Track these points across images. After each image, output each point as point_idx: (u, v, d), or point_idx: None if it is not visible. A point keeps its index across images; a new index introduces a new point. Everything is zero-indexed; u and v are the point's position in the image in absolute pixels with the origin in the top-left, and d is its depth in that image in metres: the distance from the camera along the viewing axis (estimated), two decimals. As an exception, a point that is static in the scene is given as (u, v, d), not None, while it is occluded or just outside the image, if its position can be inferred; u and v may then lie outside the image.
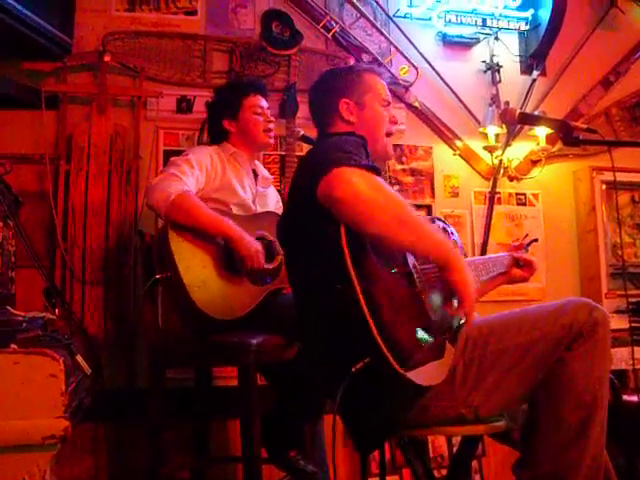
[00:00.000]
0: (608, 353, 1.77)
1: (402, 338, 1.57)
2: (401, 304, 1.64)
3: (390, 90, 3.57)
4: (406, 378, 1.55)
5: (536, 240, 2.52)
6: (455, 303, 1.64)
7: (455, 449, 3.17)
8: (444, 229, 2.08)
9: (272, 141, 2.96)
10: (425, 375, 1.62)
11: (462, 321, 1.76)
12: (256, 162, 2.99)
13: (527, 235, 2.62)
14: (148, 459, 2.68)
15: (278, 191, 3.20)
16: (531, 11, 3.90)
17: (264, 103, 2.90)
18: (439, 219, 2.35)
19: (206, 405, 2.91)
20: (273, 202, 3.00)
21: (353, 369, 1.58)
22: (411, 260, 1.75)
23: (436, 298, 1.74)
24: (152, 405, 2.55)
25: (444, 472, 3.36)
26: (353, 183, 1.56)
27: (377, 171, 1.67)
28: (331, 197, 1.56)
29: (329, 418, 2.97)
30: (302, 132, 3.00)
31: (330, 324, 1.70)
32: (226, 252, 2.56)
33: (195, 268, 2.48)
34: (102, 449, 3.06)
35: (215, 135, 2.93)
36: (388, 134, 2.06)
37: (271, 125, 2.89)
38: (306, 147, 3.48)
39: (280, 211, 3.01)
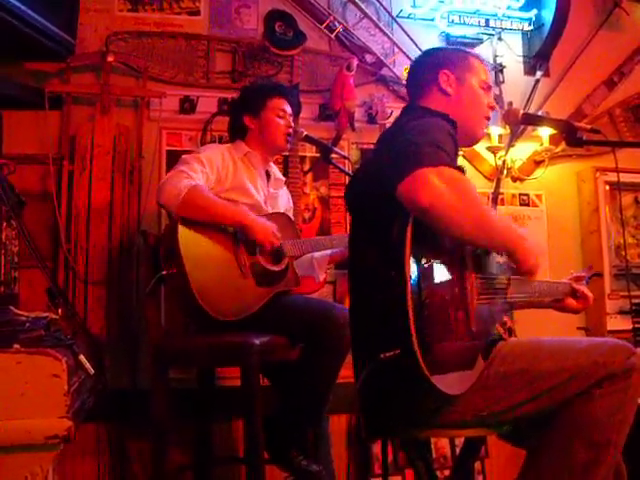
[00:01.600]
0: (636, 402, 1.72)
1: (437, 340, 1.59)
2: (446, 307, 1.65)
3: (393, 90, 3.60)
4: (429, 381, 1.55)
5: (600, 274, 2.48)
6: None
7: (458, 450, 3.17)
8: None
9: (288, 146, 2.96)
10: (449, 383, 1.60)
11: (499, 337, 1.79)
12: (270, 163, 2.99)
13: (591, 267, 2.59)
14: (151, 459, 2.68)
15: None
16: (534, 11, 3.90)
17: (288, 108, 2.89)
18: None
19: (209, 405, 2.90)
20: (284, 203, 3.00)
21: (382, 355, 1.60)
22: (469, 270, 1.76)
23: (484, 311, 1.77)
24: (155, 405, 2.55)
25: (447, 473, 3.36)
26: (436, 189, 1.54)
27: (461, 170, 1.68)
28: (414, 204, 1.55)
29: (334, 418, 2.99)
30: (305, 132, 2.99)
31: (375, 307, 1.71)
32: (237, 247, 2.57)
33: (201, 266, 2.48)
34: (105, 449, 3.06)
35: (233, 131, 2.93)
36: (487, 118, 2.05)
37: (290, 130, 2.88)
38: (309, 147, 3.48)
39: (291, 212, 3.02)
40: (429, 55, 2.13)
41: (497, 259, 1.90)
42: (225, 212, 2.55)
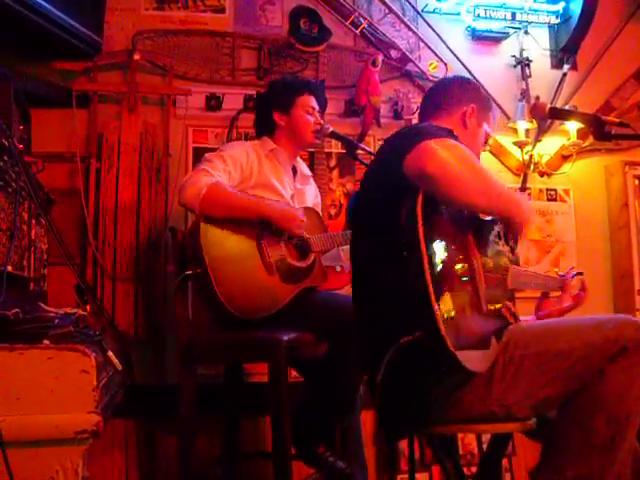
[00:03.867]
0: None
1: (455, 319, 1.61)
2: (458, 287, 1.69)
3: (418, 85, 3.59)
4: (455, 357, 1.55)
5: (581, 273, 2.51)
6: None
7: (485, 447, 3.15)
8: None
9: (318, 142, 2.96)
10: (471, 360, 1.62)
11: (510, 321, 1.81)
12: (298, 159, 2.99)
13: (572, 268, 2.60)
14: (178, 455, 2.69)
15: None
16: (562, 4, 3.85)
17: (316, 105, 2.90)
18: None
19: (236, 401, 2.92)
20: (311, 198, 3.00)
21: (402, 341, 1.61)
22: (475, 251, 1.79)
23: (493, 292, 1.80)
24: (183, 401, 2.57)
25: (474, 470, 3.34)
26: (441, 158, 1.63)
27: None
28: (422, 173, 1.62)
29: (365, 414, 2.98)
30: (331, 128, 2.99)
31: (388, 293, 1.73)
32: (261, 244, 2.58)
33: (225, 264, 2.49)
34: (132, 444, 3.09)
35: (262, 126, 2.93)
36: None
37: (319, 127, 2.88)
38: (335, 143, 3.48)
39: (319, 207, 3.02)
40: (465, 82, 2.21)
41: (495, 247, 1.92)
42: (246, 205, 2.56)
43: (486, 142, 2.19)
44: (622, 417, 1.67)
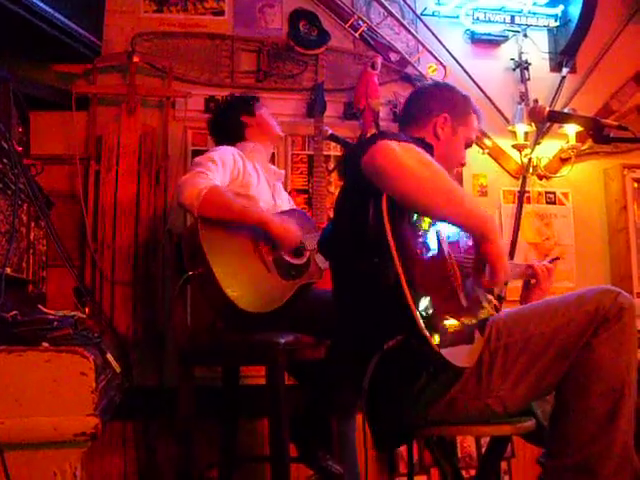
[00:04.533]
0: (635, 338, 1.74)
1: (434, 318, 1.61)
2: (435, 285, 1.69)
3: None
4: (440, 355, 1.56)
5: (557, 258, 2.51)
6: (487, 275, 1.68)
7: (484, 449, 3.15)
8: None
9: (282, 135, 3.09)
10: (457, 356, 1.62)
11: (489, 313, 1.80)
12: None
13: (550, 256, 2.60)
14: (176, 457, 2.69)
15: (306, 191, 3.23)
16: (561, 7, 3.85)
17: None
18: None
19: (234, 404, 2.92)
20: (285, 196, 3.04)
21: (385, 346, 1.60)
22: (446, 247, 1.79)
23: (469, 285, 1.79)
24: (181, 403, 2.57)
25: (472, 472, 3.34)
26: (395, 153, 1.61)
27: (424, 148, 1.72)
28: (373, 165, 1.61)
29: (360, 419, 2.98)
30: (330, 131, 3.00)
31: (365, 299, 1.73)
32: (258, 243, 2.59)
33: (226, 262, 2.49)
34: (131, 447, 3.09)
35: (233, 132, 2.97)
36: (453, 167, 2.13)
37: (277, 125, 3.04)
38: (334, 146, 3.49)
39: (292, 204, 3.06)
40: (437, 91, 2.18)
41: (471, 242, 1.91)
42: (245, 213, 2.57)
43: (468, 146, 2.15)
44: (617, 387, 1.68)
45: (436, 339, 1.55)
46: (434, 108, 2.09)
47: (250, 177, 2.77)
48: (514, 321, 1.79)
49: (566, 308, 1.76)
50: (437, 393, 1.72)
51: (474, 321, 1.78)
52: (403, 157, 1.61)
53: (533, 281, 2.36)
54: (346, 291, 1.87)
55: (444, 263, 1.76)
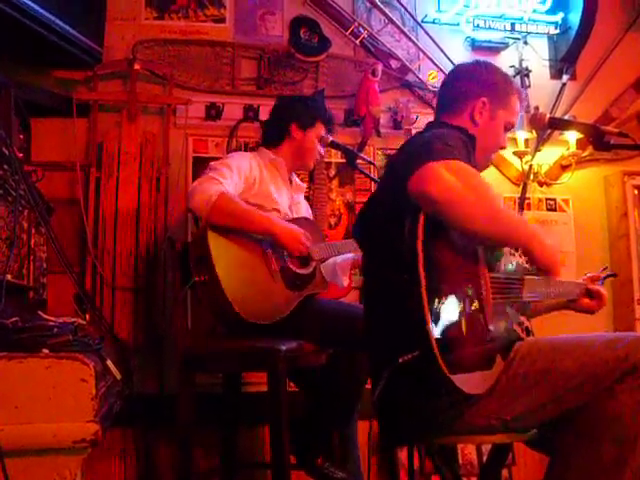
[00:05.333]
0: None
1: (455, 340, 1.59)
2: (463, 307, 1.65)
3: (418, 96, 3.60)
4: (450, 381, 1.54)
5: (615, 275, 2.47)
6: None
7: (484, 457, 3.14)
8: None
9: (312, 167, 3.05)
10: (469, 383, 1.60)
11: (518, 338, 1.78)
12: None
13: (606, 268, 2.56)
14: (177, 464, 2.69)
15: (307, 198, 3.23)
16: (561, 15, 3.86)
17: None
18: None
19: (235, 411, 2.91)
20: (304, 209, 3.01)
21: (400, 360, 1.60)
22: (482, 269, 1.75)
23: (499, 311, 1.76)
24: (181, 410, 2.56)
25: (473, 480, 3.33)
26: (443, 180, 1.57)
27: (467, 141, 1.72)
28: (421, 192, 1.59)
29: (362, 424, 2.98)
30: (331, 138, 3.00)
31: (390, 311, 1.73)
32: (266, 252, 2.59)
33: (233, 270, 2.49)
34: (131, 453, 3.08)
35: (273, 132, 2.93)
36: (492, 153, 2.08)
37: (320, 158, 3.02)
38: (335, 153, 3.49)
39: (310, 217, 3.04)
40: (474, 71, 2.06)
41: (510, 259, 1.88)
42: (254, 220, 2.56)
43: (509, 129, 2.04)
44: (630, 438, 1.63)
45: (449, 363, 1.54)
46: (471, 91, 1.99)
47: (267, 186, 2.75)
48: (540, 351, 1.75)
49: (596, 349, 1.71)
50: (445, 408, 1.70)
51: (499, 345, 1.73)
52: (450, 183, 1.57)
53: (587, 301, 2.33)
54: (375, 301, 1.87)
55: (477, 284, 1.72)
